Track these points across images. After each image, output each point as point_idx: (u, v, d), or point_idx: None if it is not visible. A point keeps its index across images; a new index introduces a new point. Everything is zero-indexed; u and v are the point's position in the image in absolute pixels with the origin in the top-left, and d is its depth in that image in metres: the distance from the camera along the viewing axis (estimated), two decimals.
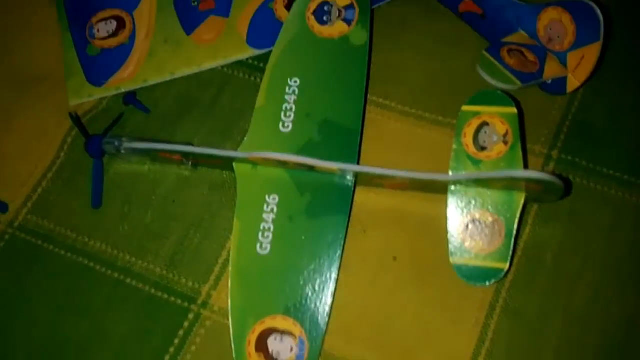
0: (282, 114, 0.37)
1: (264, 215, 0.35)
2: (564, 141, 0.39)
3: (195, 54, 0.43)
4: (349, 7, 0.39)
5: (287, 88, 0.38)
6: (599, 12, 0.33)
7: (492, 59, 0.36)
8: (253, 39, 0.41)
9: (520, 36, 0.38)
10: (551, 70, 0.36)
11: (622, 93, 0.40)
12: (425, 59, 0.42)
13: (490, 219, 0.33)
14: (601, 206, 0.37)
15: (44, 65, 0.44)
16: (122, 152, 0.38)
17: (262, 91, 0.38)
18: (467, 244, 0.33)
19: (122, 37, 0.44)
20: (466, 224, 0.33)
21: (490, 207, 0.33)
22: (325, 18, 0.39)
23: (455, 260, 0.33)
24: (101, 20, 0.44)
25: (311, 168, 0.35)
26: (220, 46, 0.43)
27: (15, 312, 0.37)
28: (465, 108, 0.35)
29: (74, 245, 0.38)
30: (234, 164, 0.36)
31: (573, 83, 0.36)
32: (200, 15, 0.44)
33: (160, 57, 0.43)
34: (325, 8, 0.39)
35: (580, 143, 0.39)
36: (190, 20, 0.44)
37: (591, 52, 0.35)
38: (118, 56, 0.43)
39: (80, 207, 0.39)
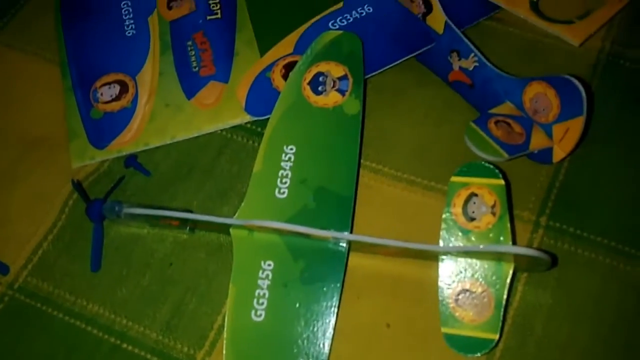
0: (278, 180, 0.38)
1: (259, 282, 0.36)
2: (552, 208, 0.40)
3: (196, 118, 0.44)
4: (343, 77, 0.41)
5: (284, 155, 0.39)
6: (581, 88, 0.35)
7: (479, 130, 0.37)
8: (251, 107, 0.42)
9: (507, 107, 0.39)
10: (537, 141, 0.38)
11: (608, 160, 0.41)
12: (417, 125, 0.43)
13: (480, 290, 0.34)
14: (589, 273, 0.38)
15: (47, 126, 0.46)
16: (122, 217, 0.39)
17: (259, 157, 0.39)
18: (457, 314, 0.34)
19: (125, 100, 0.45)
20: (457, 294, 0.34)
21: (480, 278, 0.34)
22: (320, 88, 0.40)
23: (446, 329, 0.34)
24: (105, 84, 0.46)
25: (306, 235, 0.36)
26: (219, 111, 0.44)
27: None
28: (454, 179, 0.36)
29: (72, 309, 0.38)
30: (230, 230, 0.37)
31: (559, 154, 0.38)
32: (201, 80, 0.45)
33: (161, 121, 0.44)
34: (320, 79, 0.41)
35: (567, 209, 0.40)
36: (191, 84, 0.45)
37: (575, 125, 0.36)
38: (120, 120, 0.44)
39: (79, 270, 0.40)
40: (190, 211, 0.39)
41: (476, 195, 0.35)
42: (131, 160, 0.43)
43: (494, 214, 0.35)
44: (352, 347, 0.36)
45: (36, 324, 0.38)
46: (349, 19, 0.44)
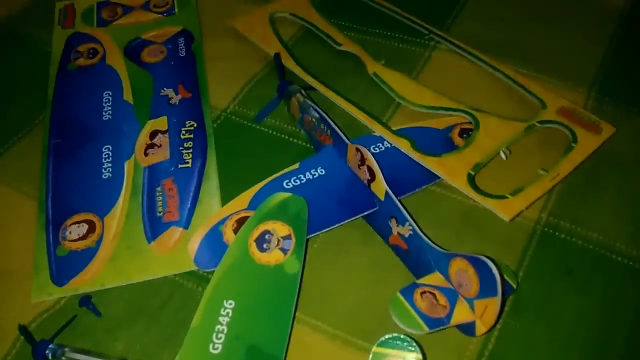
0: (214, 335, 0.40)
1: None
2: None
3: (152, 262, 0.47)
4: (287, 237, 0.44)
5: (222, 310, 0.41)
6: (495, 270, 0.37)
7: (404, 301, 0.39)
8: (200, 259, 0.45)
9: (437, 277, 0.41)
10: (461, 314, 0.40)
11: (537, 332, 0.43)
12: (358, 285, 0.45)
13: None
14: None
15: (17, 259, 0.49)
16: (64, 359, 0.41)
17: (199, 311, 0.41)
18: None
19: (90, 240, 0.48)
20: None
21: None
22: (265, 246, 0.43)
23: None
24: (75, 223, 0.49)
25: None
26: (174, 258, 0.47)
27: None
28: (376, 349, 0.37)
29: None
30: None
31: (480, 328, 0.39)
32: (163, 225, 0.49)
33: (120, 263, 0.47)
34: (266, 237, 0.44)
35: None
36: (153, 229, 0.49)
37: (492, 304, 0.38)
38: (83, 259, 0.47)
39: None
40: None
41: None
42: (85, 300, 0.45)
43: None
44: None
45: None
46: (302, 180, 0.48)
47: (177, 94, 0.58)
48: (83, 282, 0.46)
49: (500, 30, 0.62)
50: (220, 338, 0.40)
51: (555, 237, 0.47)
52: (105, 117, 0.56)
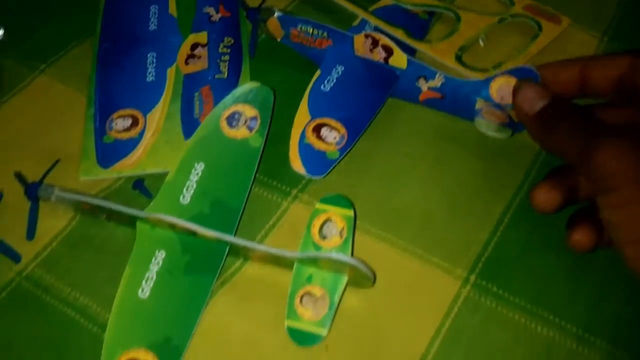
0: (184, 189, 0.48)
1: (150, 266, 0.44)
2: (481, 268, 0.46)
3: None
4: (254, 118, 0.51)
5: (193, 170, 0.49)
6: (534, 69, 0.47)
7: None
8: (312, 170, 0.50)
9: (480, 103, 0.51)
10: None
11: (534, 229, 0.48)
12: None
13: (319, 293, 0.42)
14: (503, 330, 0.43)
15: (70, 145, 0.54)
16: (53, 199, 0.47)
17: (173, 169, 0.49)
18: (299, 311, 0.42)
19: (134, 132, 0.53)
20: (302, 295, 0.42)
21: (321, 284, 0.42)
22: (234, 123, 0.50)
23: (289, 323, 0.42)
24: (120, 117, 0.54)
25: (195, 234, 0.45)
26: None
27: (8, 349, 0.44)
28: (318, 206, 0.45)
29: (66, 299, 0.46)
30: (137, 222, 0.46)
31: None
32: (199, 125, 0.53)
33: (159, 154, 0.53)
34: (236, 116, 0.51)
35: (494, 272, 0.46)
36: (190, 128, 0.53)
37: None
38: (127, 147, 0.53)
39: (79, 269, 0.47)
40: (108, 200, 0.47)
41: (331, 220, 0.44)
42: (138, 183, 0.51)
43: (341, 236, 0.44)
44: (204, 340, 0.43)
45: (34, 308, 0.45)
46: (334, 80, 0.54)
47: (217, 12, 0.62)
48: (126, 166, 0.52)
49: None
50: (190, 192, 0.47)
51: None
52: (151, 28, 0.61)
